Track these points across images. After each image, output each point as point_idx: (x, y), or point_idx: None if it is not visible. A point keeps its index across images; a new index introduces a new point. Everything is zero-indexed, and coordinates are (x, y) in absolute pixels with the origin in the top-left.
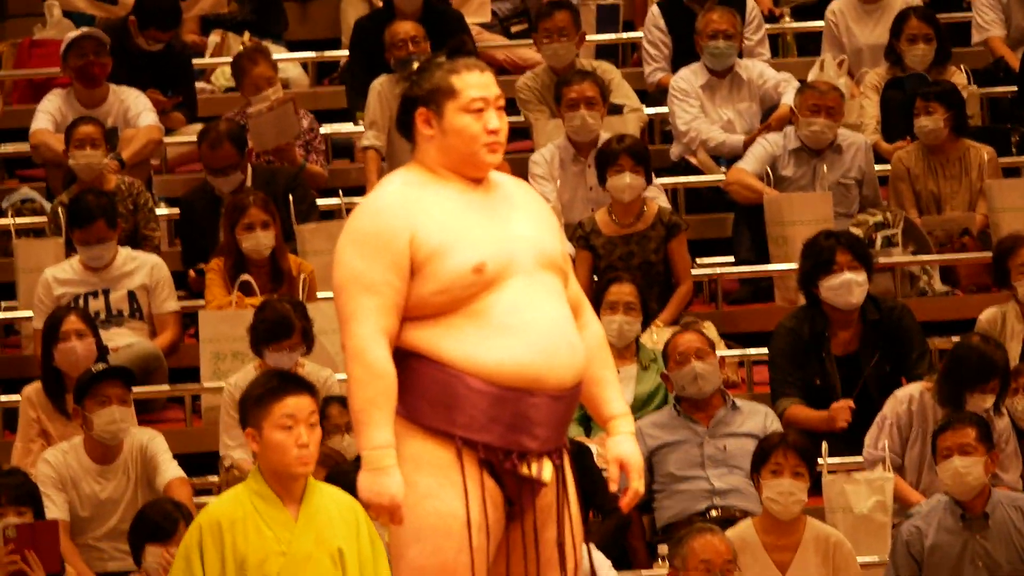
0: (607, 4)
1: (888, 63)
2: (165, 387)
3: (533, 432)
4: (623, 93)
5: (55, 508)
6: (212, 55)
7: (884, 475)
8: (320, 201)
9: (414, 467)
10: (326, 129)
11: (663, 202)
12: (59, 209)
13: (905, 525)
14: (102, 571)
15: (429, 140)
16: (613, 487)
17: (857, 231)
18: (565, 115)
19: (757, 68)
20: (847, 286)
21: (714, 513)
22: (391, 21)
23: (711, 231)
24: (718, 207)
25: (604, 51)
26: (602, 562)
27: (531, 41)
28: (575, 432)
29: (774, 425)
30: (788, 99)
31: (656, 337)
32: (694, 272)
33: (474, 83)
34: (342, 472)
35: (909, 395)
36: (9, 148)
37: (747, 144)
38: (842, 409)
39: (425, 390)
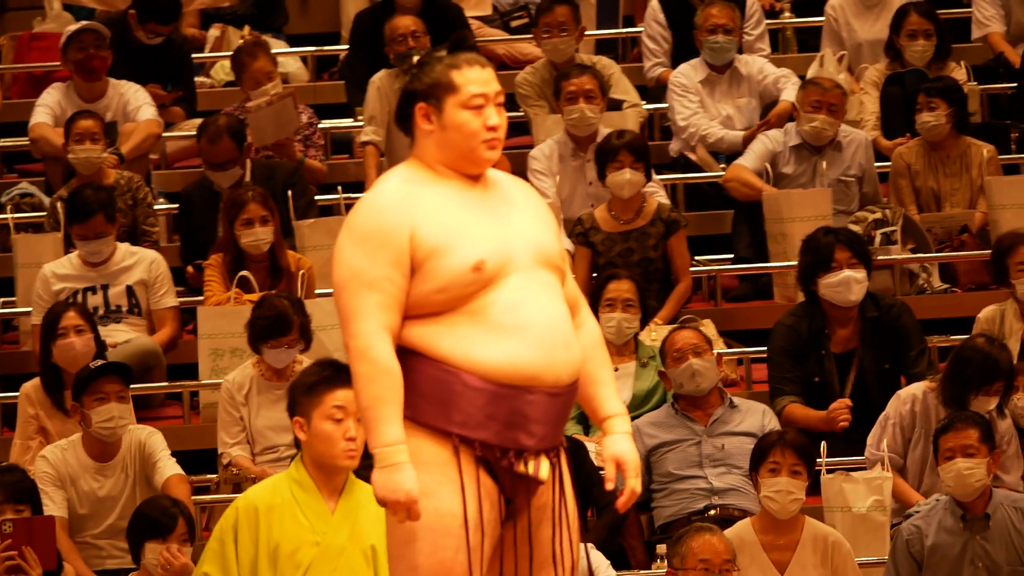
0: None
1: (888, 59)
2: (163, 383)
3: (530, 429)
4: (622, 88)
5: (53, 505)
6: (212, 49)
7: (883, 474)
8: (319, 197)
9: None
10: (325, 124)
11: (663, 198)
12: (58, 204)
13: (905, 525)
14: (101, 569)
15: (428, 135)
16: (609, 486)
17: (856, 228)
18: (564, 108)
19: (757, 64)
20: (846, 283)
21: (712, 512)
22: (391, 15)
23: (710, 228)
24: (717, 204)
25: (604, 46)
26: (600, 561)
27: (531, 36)
28: (573, 431)
29: (772, 423)
30: (788, 95)
31: (655, 335)
32: (693, 269)
33: (474, 79)
34: None
35: (912, 395)
36: (8, 142)
37: (747, 140)
38: (841, 409)
39: (422, 387)
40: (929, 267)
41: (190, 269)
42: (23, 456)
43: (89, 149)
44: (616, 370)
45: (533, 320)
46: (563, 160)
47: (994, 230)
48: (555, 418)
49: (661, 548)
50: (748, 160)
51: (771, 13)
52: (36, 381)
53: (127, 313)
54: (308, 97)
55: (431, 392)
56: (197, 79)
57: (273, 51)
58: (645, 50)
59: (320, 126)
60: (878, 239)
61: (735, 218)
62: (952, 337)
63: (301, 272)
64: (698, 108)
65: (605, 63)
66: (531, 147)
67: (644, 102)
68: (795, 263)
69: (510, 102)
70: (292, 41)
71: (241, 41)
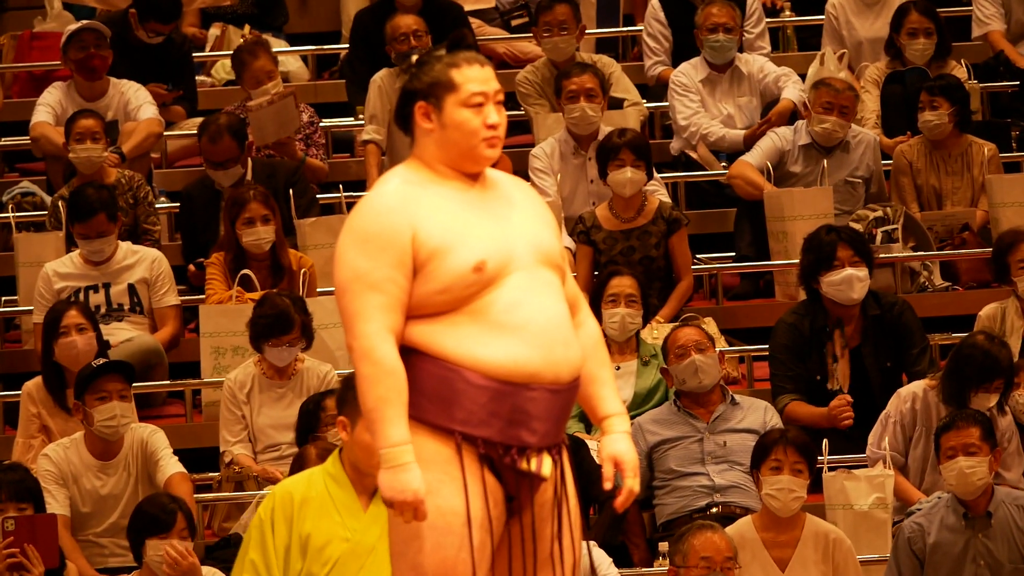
0: None
1: (888, 57)
2: (165, 382)
3: (531, 426)
4: (623, 87)
5: (56, 504)
6: (212, 48)
7: (884, 472)
8: (320, 195)
9: None
10: (326, 123)
11: (664, 197)
12: (59, 203)
13: (907, 522)
14: (103, 567)
15: (428, 134)
16: (607, 486)
17: (857, 226)
18: (565, 107)
19: (757, 62)
20: (848, 282)
21: (714, 510)
22: (392, 15)
23: (712, 226)
24: (719, 202)
25: (604, 45)
26: (602, 559)
27: (531, 35)
28: (575, 429)
29: (774, 421)
30: (788, 93)
31: (656, 333)
32: (694, 267)
33: (474, 77)
34: None
35: (913, 393)
36: (9, 141)
37: (747, 139)
38: (842, 407)
39: (424, 385)
40: (930, 265)
41: (191, 268)
42: (25, 455)
43: (90, 148)
44: (618, 368)
45: (533, 319)
46: (564, 159)
47: (995, 228)
48: (557, 415)
49: (663, 546)
50: (754, 157)
51: (771, 11)
52: (38, 380)
53: (129, 312)
54: (309, 96)
55: (433, 390)
56: (198, 78)
57: (274, 50)
58: (645, 49)
59: (321, 125)
60: (879, 237)
61: (737, 216)
62: (953, 335)
63: (302, 271)
64: (699, 107)
65: (605, 62)
66: (532, 146)
67: (645, 101)
68: (797, 261)
69: (511, 101)
70: (292, 40)
71: (242, 40)
